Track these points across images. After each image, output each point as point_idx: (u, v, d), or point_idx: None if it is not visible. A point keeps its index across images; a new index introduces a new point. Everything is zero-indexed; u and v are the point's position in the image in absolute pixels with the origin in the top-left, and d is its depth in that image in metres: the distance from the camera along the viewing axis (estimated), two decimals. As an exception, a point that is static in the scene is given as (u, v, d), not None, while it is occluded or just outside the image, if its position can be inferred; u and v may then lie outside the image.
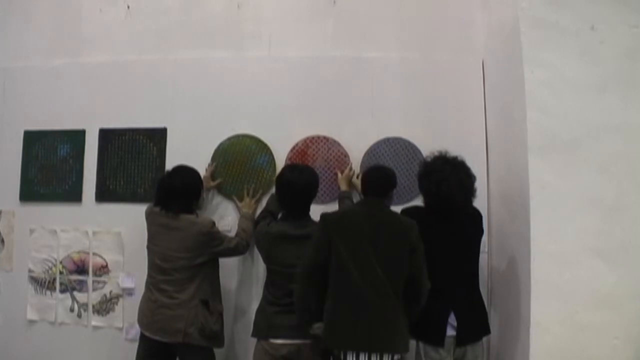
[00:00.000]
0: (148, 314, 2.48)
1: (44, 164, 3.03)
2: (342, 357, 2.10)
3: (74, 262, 2.97)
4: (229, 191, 2.86)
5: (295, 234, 2.36)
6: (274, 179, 2.64)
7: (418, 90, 2.87)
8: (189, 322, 2.40)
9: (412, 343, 2.24)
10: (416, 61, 2.90)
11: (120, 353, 2.83)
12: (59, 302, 2.96)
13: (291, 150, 2.86)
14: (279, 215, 2.56)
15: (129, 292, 2.88)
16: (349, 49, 2.93)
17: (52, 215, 2.99)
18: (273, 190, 2.70)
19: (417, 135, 2.81)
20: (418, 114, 2.85)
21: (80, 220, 2.97)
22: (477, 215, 2.42)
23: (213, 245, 2.50)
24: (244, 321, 2.76)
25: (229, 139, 2.89)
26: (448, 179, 2.24)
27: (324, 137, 2.86)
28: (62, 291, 2.97)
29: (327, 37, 2.97)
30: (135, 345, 2.58)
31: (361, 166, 2.80)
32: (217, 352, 2.57)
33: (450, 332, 2.23)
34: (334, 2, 2.97)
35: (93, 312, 2.93)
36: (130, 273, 2.88)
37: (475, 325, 2.30)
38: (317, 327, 2.20)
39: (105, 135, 2.99)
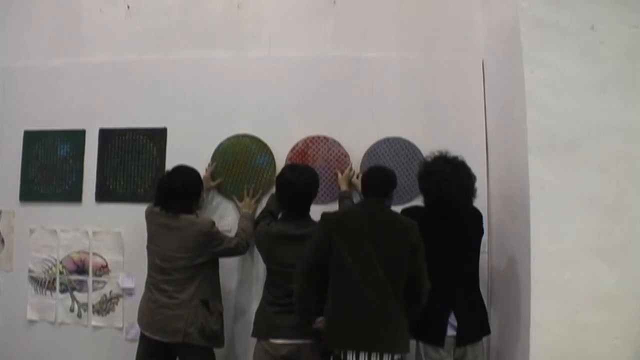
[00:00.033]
0: (148, 314, 2.48)
1: (44, 164, 3.03)
2: (342, 357, 2.10)
3: (74, 262, 2.97)
4: (229, 191, 2.86)
5: (295, 234, 2.35)
6: (274, 179, 2.64)
7: (418, 90, 2.87)
8: (189, 322, 2.40)
9: (412, 343, 2.24)
10: (416, 61, 2.90)
11: (120, 353, 2.83)
12: (59, 302, 2.96)
13: (291, 150, 2.86)
14: (279, 215, 2.56)
15: (129, 292, 2.88)
16: (349, 49, 2.94)
17: (52, 215, 2.99)
18: (273, 190, 2.70)
19: (417, 135, 2.81)
20: (418, 114, 2.85)
21: (80, 220, 2.97)
22: (478, 215, 2.42)
23: (213, 245, 2.50)
24: (244, 321, 2.76)
25: (229, 139, 2.89)
26: (448, 179, 2.24)
27: (324, 137, 2.86)
28: (62, 291, 2.97)
29: (327, 37, 2.97)
30: (135, 345, 2.58)
31: (361, 166, 2.80)
32: (217, 352, 2.57)
33: (451, 332, 2.23)
34: (334, 2, 2.97)
35: (93, 312, 2.93)
36: (130, 273, 2.88)
37: (476, 325, 2.30)
38: (320, 321, 2.20)
39: (105, 135, 2.99)
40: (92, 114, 3.01)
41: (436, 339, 2.23)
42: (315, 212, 2.40)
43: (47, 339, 2.95)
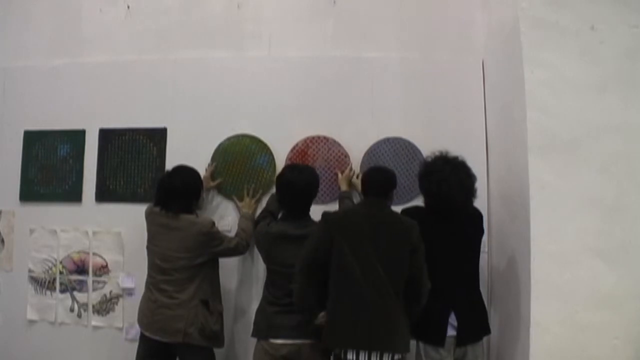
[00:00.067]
0: (148, 314, 2.48)
1: (44, 164, 3.03)
2: (342, 356, 2.10)
3: (74, 262, 2.97)
4: (229, 191, 2.86)
5: (295, 234, 2.35)
6: (274, 179, 2.64)
7: (418, 90, 2.87)
8: (189, 322, 2.40)
9: (413, 343, 2.24)
10: (416, 61, 2.90)
11: (120, 353, 2.83)
12: (59, 302, 2.96)
13: (291, 150, 2.86)
14: (279, 215, 2.56)
15: (129, 292, 2.88)
16: (349, 49, 2.93)
17: (52, 215, 2.99)
18: (273, 190, 2.70)
19: (417, 135, 2.81)
20: (418, 114, 2.85)
21: (80, 220, 2.97)
22: (478, 216, 2.42)
23: (213, 245, 2.50)
24: (244, 321, 2.76)
25: (229, 139, 2.89)
26: (448, 179, 2.24)
27: (324, 137, 2.86)
28: (62, 291, 2.97)
29: (327, 37, 2.97)
30: (135, 345, 2.58)
31: (361, 166, 2.80)
32: (217, 352, 2.57)
33: (451, 332, 2.23)
34: (334, 2, 2.97)
35: (93, 312, 2.93)
36: (130, 273, 2.88)
37: (476, 325, 2.31)
38: (322, 316, 2.20)
39: (105, 135, 2.99)
40: (92, 114, 3.01)
41: (436, 339, 2.23)
42: (315, 212, 2.40)
43: (47, 339, 2.95)
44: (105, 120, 2.99)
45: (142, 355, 2.53)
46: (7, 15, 3.22)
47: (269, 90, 2.91)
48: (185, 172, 2.59)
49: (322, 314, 2.20)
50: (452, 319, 2.23)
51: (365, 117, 2.86)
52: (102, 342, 2.91)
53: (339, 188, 2.76)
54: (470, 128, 2.80)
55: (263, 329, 2.37)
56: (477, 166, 2.43)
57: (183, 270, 2.45)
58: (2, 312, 3.00)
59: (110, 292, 2.92)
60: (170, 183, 2.53)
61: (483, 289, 2.50)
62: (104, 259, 2.94)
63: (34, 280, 2.99)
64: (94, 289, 2.93)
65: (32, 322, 2.98)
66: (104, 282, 2.93)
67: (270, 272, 2.46)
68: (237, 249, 2.58)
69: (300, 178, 2.42)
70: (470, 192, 2.31)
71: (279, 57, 2.95)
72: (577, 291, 2.08)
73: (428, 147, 2.53)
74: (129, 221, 2.85)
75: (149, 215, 2.59)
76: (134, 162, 2.96)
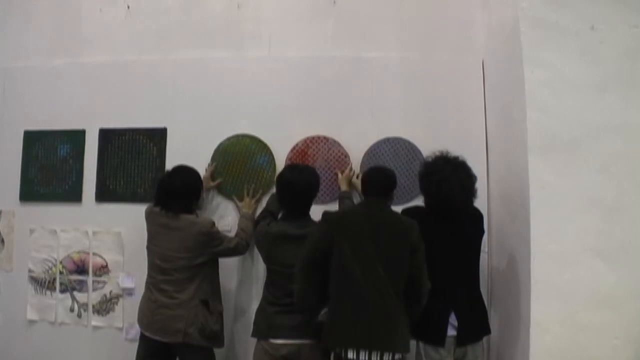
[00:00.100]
0: (148, 314, 2.48)
1: (44, 164, 3.03)
2: (343, 355, 2.10)
3: (74, 262, 2.97)
4: (229, 191, 2.86)
5: (295, 234, 2.35)
6: (274, 179, 2.64)
7: (418, 90, 2.87)
8: (189, 322, 2.40)
9: (413, 343, 2.24)
10: (416, 61, 2.90)
11: (120, 353, 2.83)
12: (59, 302, 2.96)
13: (291, 150, 2.86)
14: (279, 215, 2.56)
15: (129, 292, 2.88)
16: (349, 49, 2.93)
17: (52, 215, 2.99)
18: (273, 190, 2.70)
19: (417, 135, 2.81)
20: (418, 114, 2.85)
21: (80, 220, 2.97)
22: (478, 216, 2.42)
23: (213, 245, 2.50)
24: (244, 321, 2.76)
25: (229, 139, 2.89)
26: (448, 179, 2.24)
27: (324, 137, 2.86)
28: (62, 291, 2.97)
29: (327, 37, 2.97)
30: (135, 345, 2.58)
31: (361, 166, 2.80)
32: (217, 352, 2.57)
33: (451, 332, 2.23)
34: (334, 2, 2.98)
35: (93, 312, 2.93)
36: (130, 273, 2.88)
37: (476, 325, 2.31)
38: (323, 314, 2.20)
39: (105, 135, 2.99)
40: (92, 114, 3.01)
41: (436, 338, 2.23)
42: (315, 212, 2.40)
43: (47, 339, 2.95)
44: (105, 120, 2.99)
45: (142, 355, 2.53)
46: (7, 15, 3.22)
47: (269, 90, 2.91)
48: (185, 172, 2.59)
49: (323, 311, 2.20)
50: (452, 319, 2.23)
51: (365, 117, 2.86)
52: (102, 342, 2.91)
53: (339, 188, 2.76)
54: (470, 128, 2.80)
55: (263, 329, 2.37)
56: (477, 166, 2.43)
57: (183, 270, 2.45)
58: (2, 312, 3.01)
59: (110, 292, 2.92)
60: (170, 183, 2.53)
61: (483, 289, 2.49)
62: (104, 259, 2.94)
63: (34, 280, 2.99)
64: (94, 289, 2.93)
65: (32, 322, 2.98)
66: (104, 282, 2.93)
67: (270, 272, 2.45)
68: (237, 249, 2.58)
69: (301, 178, 2.42)
70: (471, 192, 2.31)
71: (279, 57, 2.95)
72: (577, 291, 2.08)
73: (428, 147, 2.53)
74: (129, 221, 2.85)
75: (149, 215, 2.59)
76: (134, 162, 2.96)
